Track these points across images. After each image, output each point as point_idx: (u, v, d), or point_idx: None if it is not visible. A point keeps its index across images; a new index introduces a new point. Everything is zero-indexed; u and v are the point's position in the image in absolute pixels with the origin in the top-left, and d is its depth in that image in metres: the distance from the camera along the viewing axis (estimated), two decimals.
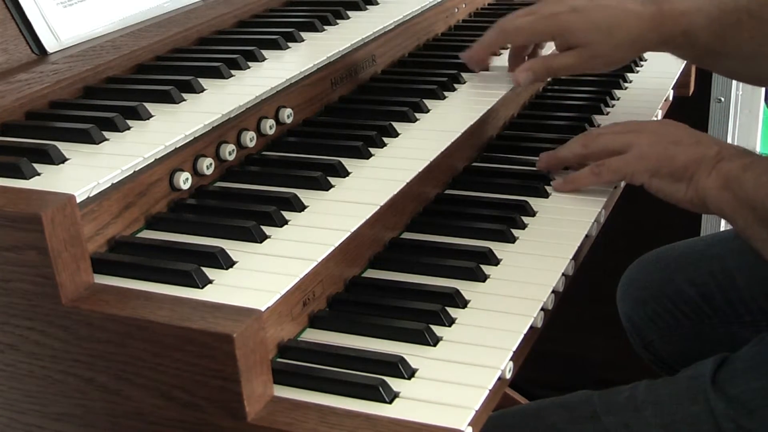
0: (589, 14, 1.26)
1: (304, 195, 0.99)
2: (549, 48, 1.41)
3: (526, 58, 1.37)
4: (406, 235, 1.11)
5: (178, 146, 0.97)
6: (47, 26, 1.11)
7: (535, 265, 1.03)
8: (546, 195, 1.19)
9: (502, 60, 1.39)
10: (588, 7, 1.26)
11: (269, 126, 1.11)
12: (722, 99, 2.12)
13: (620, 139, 1.18)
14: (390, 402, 0.80)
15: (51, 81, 1.05)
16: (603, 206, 1.17)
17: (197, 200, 1.00)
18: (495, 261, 1.04)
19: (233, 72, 1.14)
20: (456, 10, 1.59)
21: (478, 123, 1.22)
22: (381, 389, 0.80)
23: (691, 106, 1.81)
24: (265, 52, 1.20)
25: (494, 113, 1.34)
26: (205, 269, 0.84)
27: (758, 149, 2.23)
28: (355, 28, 1.33)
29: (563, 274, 1.02)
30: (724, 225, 2.17)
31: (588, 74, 1.62)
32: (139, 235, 0.93)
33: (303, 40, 1.27)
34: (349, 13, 1.39)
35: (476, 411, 0.79)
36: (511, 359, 0.87)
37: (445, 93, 1.27)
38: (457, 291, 0.96)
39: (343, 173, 1.04)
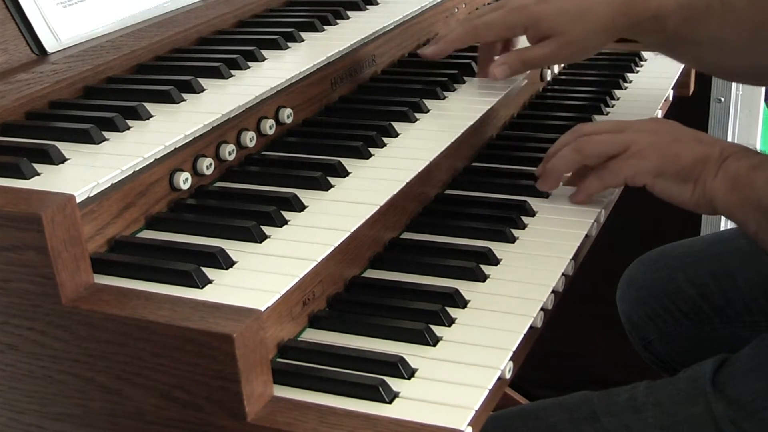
0: (558, 3, 1.25)
1: (304, 195, 0.99)
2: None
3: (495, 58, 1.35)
4: (406, 235, 1.11)
5: (178, 146, 0.97)
6: (47, 26, 1.11)
7: (535, 265, 1.03)
8: (546, 195, 1.19)
9: None
10: None
11: (269, 126, 1.11)
12: (722, 99, 2.12)
13: (616, 139, 1.13)
14: (390, 402, 0.80)
15: (51, 81, 1.05)
16: (603, 206, 1.17)
17: (197, 200, 1.00)
18: (495, 261, 1.04)
19: (233, 72, 1.14)
20: (456, 10, 1.59)
21: (478, 123, 1.22)
22: (381, 389, 0.80)
23: (691, 106, 1.81)
24: (265, 52, 1.20)
25: (494, 113, 1.34)
26: (204, 269, 0.84)
27: (758, 149, 2.23)
28: (355, 28, 1.33)
29: (563, 274, 1.02)
30: (724, 225, 2.17)
31: (588, 74, 1.63)
32: (139, 235, 0.93)
33: (303, 40, 1.27)
34: (349, 13, 1.39)
35: (476, 411, 0.79)
36: (511, 359, 0.87)
37: (445, 93, 1.27)
38: (457, 291, 0.97)
39: (343, 173, 1.04)
